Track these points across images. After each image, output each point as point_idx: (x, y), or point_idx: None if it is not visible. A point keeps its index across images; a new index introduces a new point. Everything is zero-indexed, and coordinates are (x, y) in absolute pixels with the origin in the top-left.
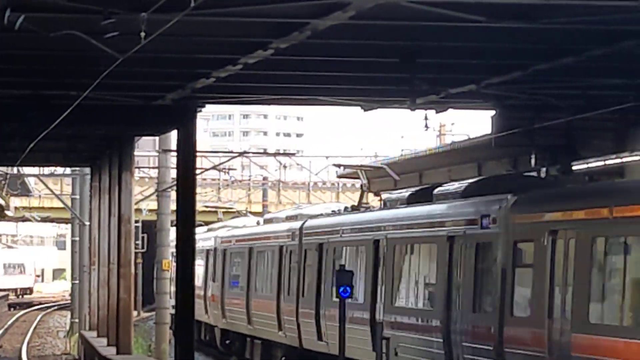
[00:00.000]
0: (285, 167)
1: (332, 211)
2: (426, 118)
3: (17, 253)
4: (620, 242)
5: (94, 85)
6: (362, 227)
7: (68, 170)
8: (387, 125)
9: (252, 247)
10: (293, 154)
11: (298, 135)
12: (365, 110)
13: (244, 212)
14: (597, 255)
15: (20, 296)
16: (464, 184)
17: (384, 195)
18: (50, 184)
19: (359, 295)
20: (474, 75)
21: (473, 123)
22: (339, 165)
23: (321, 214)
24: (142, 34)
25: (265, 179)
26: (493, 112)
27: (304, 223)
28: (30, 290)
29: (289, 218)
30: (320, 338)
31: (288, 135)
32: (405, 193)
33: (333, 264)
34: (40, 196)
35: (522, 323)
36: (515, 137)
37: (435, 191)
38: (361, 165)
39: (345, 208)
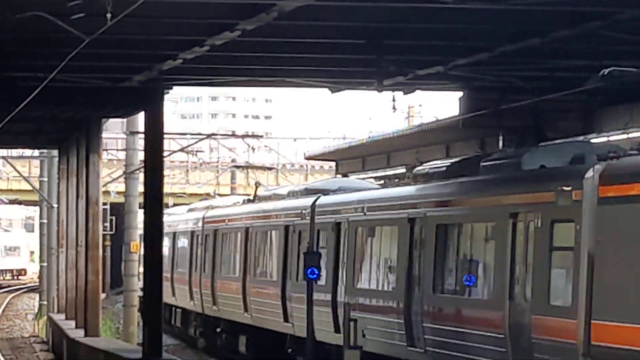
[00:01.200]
0: (253, 149)
1: (235, 203)
2: (394, 99)
3: (13, 236)
4: (366, 230)
5: (61, 67)
6: (239, 217)
7: (36, 153)
8: (356, 107)
9: (176, 232)
10: (261, 136)
11: (266, 118)
12: (332, 91)
13: (212, 194)
14: (358, 240)
15: (16, 277)
16: (305, 185)
17: (258, 192)
18: (19, 166)
19: (235, 271)
20: (441, 57)
21: (442, 105)
22: (237, 166)
23: (218, 206)
24: (108, 15)
25: (233, 161)
26: (461, 94)
27: (205, 213)
28: (24, 272)
29: (205, 208)
30: (215, 304)
31: (256, 117)
32: (273, 190)
33: (222, 246)
34: (8, 178)
35: (321, 290)
36: (482, 118)
37: (287, 190)
38: (257, 166)
39: (244, 200)
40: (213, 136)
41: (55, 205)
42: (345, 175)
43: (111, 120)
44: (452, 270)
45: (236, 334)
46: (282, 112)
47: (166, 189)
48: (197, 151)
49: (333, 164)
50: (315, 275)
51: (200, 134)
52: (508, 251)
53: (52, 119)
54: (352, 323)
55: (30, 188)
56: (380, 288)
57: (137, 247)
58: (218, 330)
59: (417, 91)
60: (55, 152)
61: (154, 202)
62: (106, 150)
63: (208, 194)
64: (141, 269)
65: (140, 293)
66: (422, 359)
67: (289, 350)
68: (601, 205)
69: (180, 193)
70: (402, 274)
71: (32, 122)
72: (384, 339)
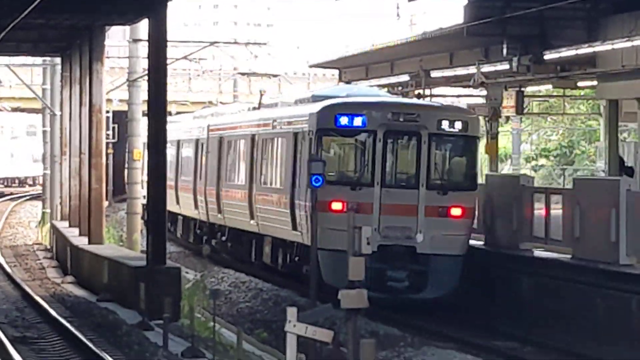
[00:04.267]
0: (256, 57)
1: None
2: (398, 7)
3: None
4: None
5: None
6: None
7: (39, 60)
8: (358, 16)
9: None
10: (264, 44)
11: (268, 26)
12: None
13: (215, 102)
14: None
15: (23, 184)
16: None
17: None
18: (21, 74)
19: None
20: None
21: (446, 13)
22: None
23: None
24: None
25: (235, 69)
26: (465, 1)
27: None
28: (33, 180)
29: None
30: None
31: (258, 25)
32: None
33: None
34: (10, 86)
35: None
36: (487, 26)
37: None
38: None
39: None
40: (216, 44)
41: (58, 113)
42: (348, 83)
43: (113, 28)
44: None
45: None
46: (283, 20)
47: (168, 96)
48: (199, 59)
49: (336, 72)
50: (319, 183)
51: (202, 42)
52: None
53: (55, 26)
54: None
55: (33, 96)
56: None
57: (140, 155)
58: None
59: None
60: (57, 60)
61: (158, 109)
62: (108, 57)
63: (210, 102)
64: (144, 177)
65: (144, 201)
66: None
67: (296, 258)
68: None
69: (183, 101)
70: (248, 172)
71: (35, 30)
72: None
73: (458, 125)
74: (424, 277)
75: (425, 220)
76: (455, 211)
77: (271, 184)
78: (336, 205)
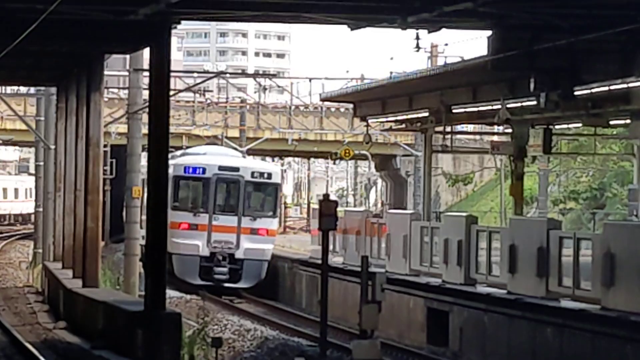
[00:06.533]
0: (265, 89)
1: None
2: (418, 38)
3: (22, 178)
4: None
5: None
6: None
7: (32, 90)
8: (376, 46)
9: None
10: (274, 75)
11: (279, 56)
12: (352, 29)
13: (220, 137)
14: None
15: (18, 223)
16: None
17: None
18: (13, 105)
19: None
20: None
21: (467, 44)
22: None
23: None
24: None
25: (243, 101)
26: (489, 33)
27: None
28: (30, 217)
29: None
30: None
31: (268, 55)
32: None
33: None
34: (2, 117)
35: None
36: (513, 59)
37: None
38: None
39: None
40: (222, 74)
41: (53, 147)
42: (363, 119)
43: (113, 56)
44: None
45: None
46: (296, 50)
47: (171, 130)
48: (204, 90)
49: (351, 106)
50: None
51: (208, 72)
52: None
53: (51, 54)
54: None
55: (26, 128)
56: None
57: (139, 192)
58: None
59: (443, 29)
60: (53, 90)
61: (159, 144)
62: (107, 88)
63: (215, 137)
64: (143, 217)
65: (143, 242)
66: None
67: None
68: None
69: (179, 133)
70: None
71: (30, 57)
72: None
73: (265, 175)
74: (239, 273)
75: (241, 237)
76: (262, 231)
77: None
78: (183, 225)
